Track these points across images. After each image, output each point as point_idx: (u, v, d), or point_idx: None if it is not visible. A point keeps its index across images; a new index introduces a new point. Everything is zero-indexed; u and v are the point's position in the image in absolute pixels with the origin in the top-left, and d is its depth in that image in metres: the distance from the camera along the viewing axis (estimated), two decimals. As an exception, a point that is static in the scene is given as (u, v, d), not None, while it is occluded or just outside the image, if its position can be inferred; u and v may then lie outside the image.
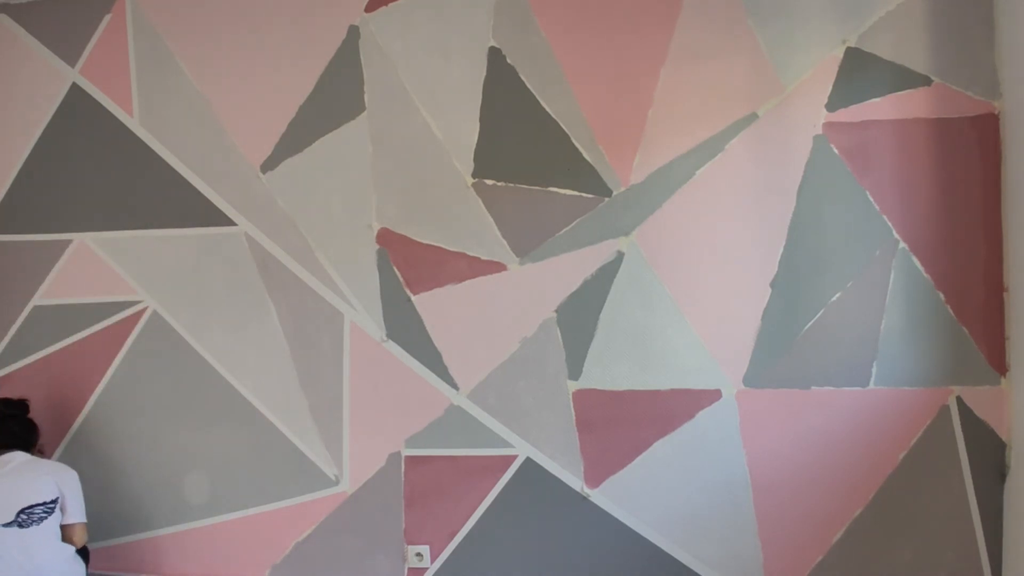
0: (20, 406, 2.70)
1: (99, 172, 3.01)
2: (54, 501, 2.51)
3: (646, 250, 2.65)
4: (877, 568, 2.49)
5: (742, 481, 2.56)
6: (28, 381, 3.02)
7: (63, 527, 2.54)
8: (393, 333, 2.79)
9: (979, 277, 2.47)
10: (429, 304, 2.76)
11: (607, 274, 2.66)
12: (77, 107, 3.04)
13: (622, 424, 2.63)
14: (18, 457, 2.56)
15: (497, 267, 2.73)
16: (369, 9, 2.86)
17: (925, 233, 2.50)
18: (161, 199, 2.96)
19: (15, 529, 2.42)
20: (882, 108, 2.54)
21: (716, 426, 2.58)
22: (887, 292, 2.51)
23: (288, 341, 2.85)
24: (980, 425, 2.45)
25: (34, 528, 2.44)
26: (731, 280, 2.60)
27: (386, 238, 2.80)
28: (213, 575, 2.87)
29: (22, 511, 2.45)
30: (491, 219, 2.74)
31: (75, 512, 2.56)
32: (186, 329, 2.93)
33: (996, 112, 2.48)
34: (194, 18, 2.98)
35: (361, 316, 2.81)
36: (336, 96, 2.86)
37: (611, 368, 2.65)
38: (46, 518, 2.48)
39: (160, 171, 2.97)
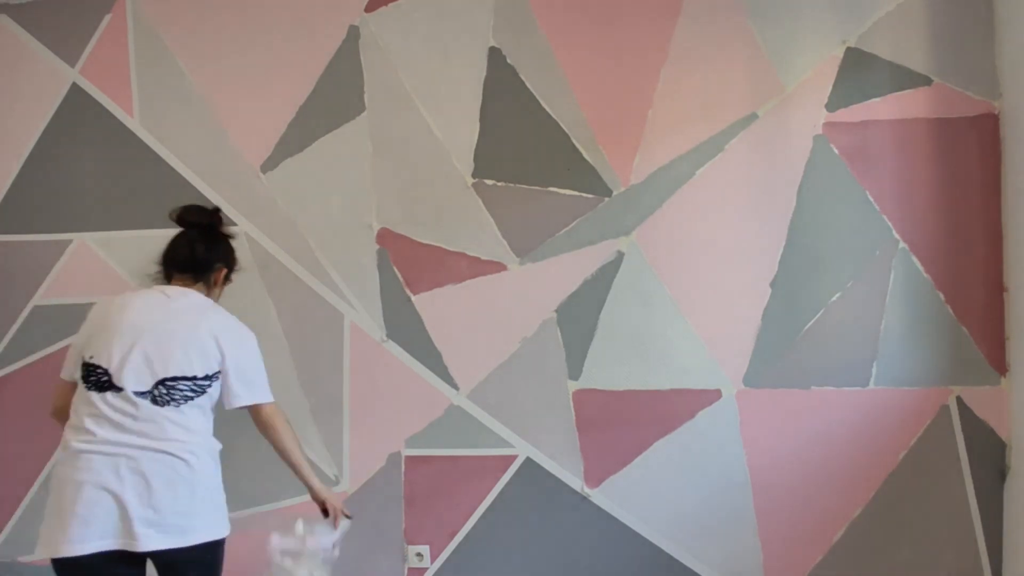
0: (210, 214, 2.17)
1: (99, 172, 3.01)
2: (208, 377, 1.97)
3: (646, 250, 2.65)
4: (877, 568, 2.49)
5: (742, 481, 2.57)
6: (28, 381, 3.02)
7: (255, 412, 2.09)
8: (393, 333, 2.78)
9: (979, 277, 2.47)
10: (429, 304, 2.76)
11: (607, 274, 2.67)
12: (77, 107, 3.04)
13: (622, 424, 2.63)
14: (185, 298, 2.02)
15: (497, 267, 2.73)
16: (369, 9, 2.86)
17: (925, 233, 2.50)
18: (161, 199, 2.95)
19: (148, 403, 1.89)
20: (882, 108, 2.54)
21: (716, 426, 2.58)
22: (887, 292, 2.51)
23: (288, 341, 2.85)
24: (980, 425, 2.46)
25: (171, 409, 1.91)
26: (731, 280, 2.60)
27: (386, 238, 2.80)
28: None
29: (162, 382, 1.91)
30: (491, 219, 2.74)
31: (247, 389, 2.04)
32: (186, 329, 2.92)
33: (996, 112, 2.48)
34: (194, 18, 2.98)
35: (361, 316, 2.81)
36: (336, 96, 2.86)
37: (611, 368, 2.65)
38: (193, 398, 1.94)
39: (160, 171, 2.96)
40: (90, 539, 1.81)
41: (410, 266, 2.78)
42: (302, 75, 2.88)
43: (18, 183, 3.08)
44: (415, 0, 2.83)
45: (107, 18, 3.04)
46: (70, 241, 3.02)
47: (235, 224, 2.33)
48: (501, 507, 2.69)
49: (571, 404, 2.67)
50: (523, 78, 2.75)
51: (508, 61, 2.76)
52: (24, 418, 3.01)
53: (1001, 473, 2.44)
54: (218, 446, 2.11)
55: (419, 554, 2.72)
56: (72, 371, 2.00)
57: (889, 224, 2.52)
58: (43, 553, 1.85)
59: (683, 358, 2.61)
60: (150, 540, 1.85)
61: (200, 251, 2.11)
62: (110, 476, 1.83)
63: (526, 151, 2.73)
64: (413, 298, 2.77)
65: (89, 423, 1.87)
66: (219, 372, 2.02)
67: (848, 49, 2.57)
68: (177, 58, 2.99)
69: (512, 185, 2.73)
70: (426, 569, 2.73)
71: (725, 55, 2.63)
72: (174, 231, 2.97)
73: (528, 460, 2.68)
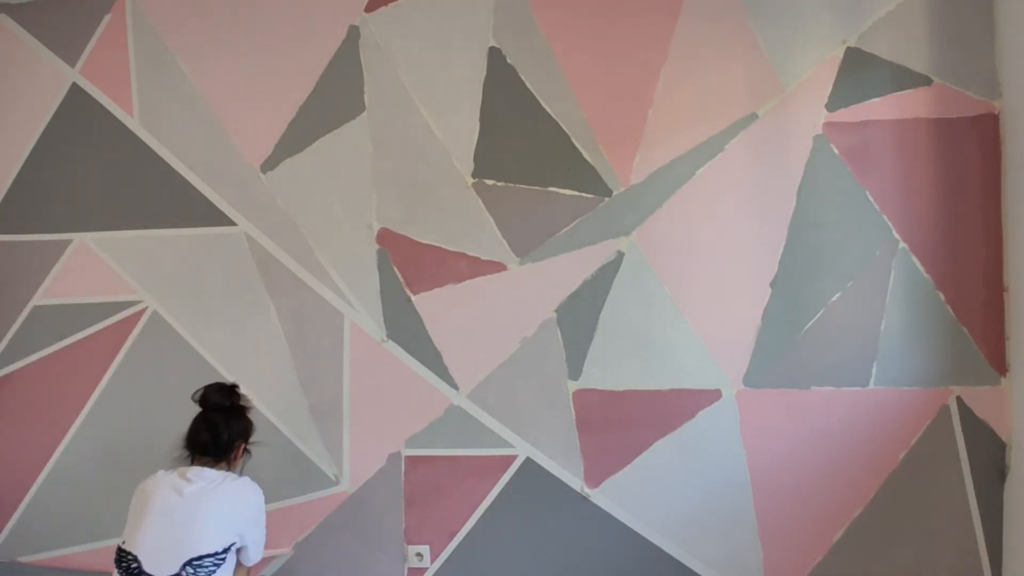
0: (228, 393, 2.33)
1: (99, 172, 3.01)
2: (227, 549, 2.13)
3: (646, 250, 2.65)
4: (877, 568, 2.49)
5: (742, 481, 2.56)
6: (28, 381, 3.02)
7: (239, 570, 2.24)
8: (393, 333, 2.78)
9: (979, 277, 2.47)
10: (429, 304, 2.76)
11: (607, 274, 2.67)
12: (77, 107, 3.04)
13: (622, 424, 2.63)
14: (202, 479, 2.19)
15: (497, 267, 2.73)
16: (369, 9, 2.86)
17: (925, 233, 2.50)
18: (161, 199, 2.96)
19: None
20: (882, 108, 2.54)
21: (716, 426, 2.58)
22: (887, 292, 2.51)
23: (288, 341, 2.85)
24: (980, 425, 2.45)
25: None
26: (731, 280, 2.60)
27: (386, 238, 2.80)
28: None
29: (190, 562, 2.06)
30: (491, 219, 2.74)
31: (252, 553, 2.24)
32: (186, 329, 2.93)
33: (996, 112, 2.48)
34: (194, 18, 2.99)
35: (361, 316, 2.81)
36: (336, 96, 2.86)
37: (611, 368, 2.65)
38: (216, 569, 2.09)
39: (160, 171, 2.97)
40: None
41: (410, 266, 2.78)
42: (302, 75, 2.88)
43: (18, 183, 3.08)
44: (415, 0, 2.83)
45: (107, 18, 3.04)
46: (70, 241, 3.02)
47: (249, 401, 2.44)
48: (501, 507, 2.69)
49: (571, 404, 2.67)
50: (523, 78, 2.75)
51: (508, 61, 2.76)
52: (24, 418, 3.02)
53: (1001, 473, 2.44)
54: None
55: (419, 554, 2.72)
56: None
57: (889, 224, 2.52)
58: None
59: (683, 358, 2.61)
60: None
61: (222, 436, 2.27)
62: None
63: (526, 151, 2.73)
64: (413, 298, 2.77)
65: None
66: (231, 547, 2.17)
67: (848, 49, 2.57)
68: (177, 58, 2.99)
69: (512, 185, 2.73)
70: (426, 569, 2.73)
71: (725, 55, 2.63)
72: (174, 231, 3.00)
73: (528, 460, 2.68)
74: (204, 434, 2.25)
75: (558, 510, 2.66)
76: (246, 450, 2.38)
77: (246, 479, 2.29)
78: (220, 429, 2.26)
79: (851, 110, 2.55)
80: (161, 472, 2.23)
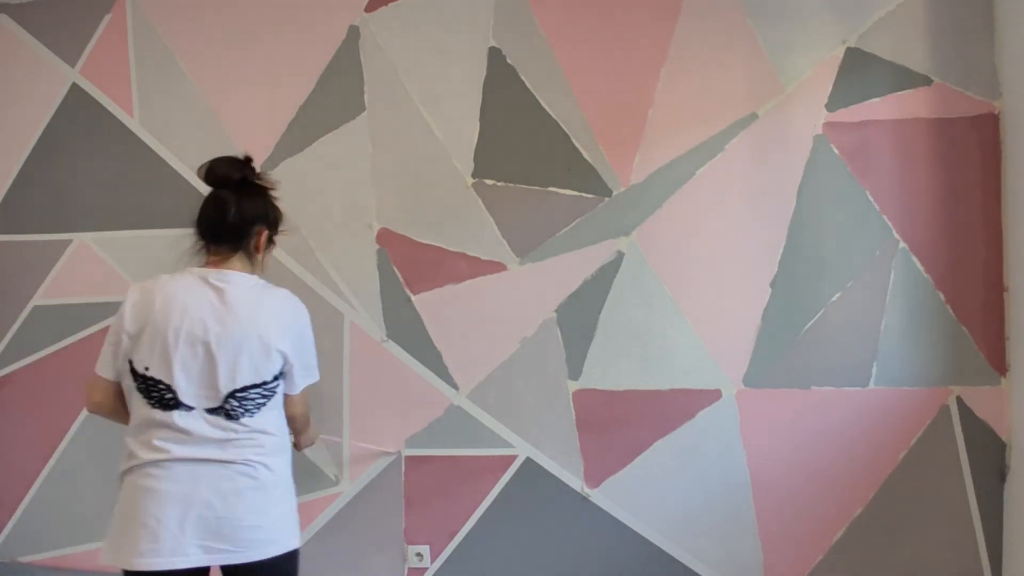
0: (242, 165, 1.91)
1: (99, 172, 3.01)
2: (276, 378, 1.84)
3: (646, 250, 2.65)
4: (877, 568, 2.49)
5: (742, 481, 2.56)
6: (28, 381, 3.02)
7: (289, 402, 1.92)
8: (393, 333, 2.78)
9: (979, 277, 2.47)
10: (429, 304, 2.76)
11: (607, 274, 2.66)
12: (77, 107, 3.04)
13: (622, 424, 2.63)
14: (232, 290, 1.81)
15: (497, 267, 2.73)
16: (369, 9, 2.86)
17: (925, 233, 2.50)
18: (161, 199, 2.96)
19: (222, 419, 1.77)
20: (882, 108, 2.54)
21: (716, 426, 2.58)
22: (887, 292, 2.51)
23: (288, 341, 2.85)
24: (980, 425, 2.45)
25: (246, 418, 1.79)
26: (731, 280, 2.60)
27: (386, 238, 2.80)
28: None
29: (234, 394, 1.78)
30: (491, 219, 2.74)
31: (301, 376, 1.92)
32: (186, 329, 2.92)
33: (996, 112, 2.48)
34: (194, 18, 2.98)
35: (361, 316, 2.81)
36: (336, 96, 2.86)
37: (611, 368, 2.65)
38: (265, 402, 1.81)
39: (160, 171, 2.96)
40: (163, 554, 1.71)
41: (410, 266, 2.78)
42: (302, 75, 2.88)
43: (18, 183, 3.08)
44: (415, 0, 2.83)
45: (107, 18, 3.04)
46: (70, 241, 3.02)
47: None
48: (501, 507, 2.69)
49: (571, 404, 2.67)
50: (523, 78, 2.75)
51: (508, 61, 2.76)
52: (24, 418, 3.02)
53: (1001, 473, 2.44)
54: (290, 440, 2.01)
55: (419, 554, 2.72)
56: (116, 371, 1.82)
57: (889, 224, 2.52)
58: (110, 561, 1.76)
59: (683, 358, 2.61)
60: (226, 555, 1.77)
61: (233, 215, 1.86)
62: (185, 491, 1.73)
63: (526, 151, 2.73)
64: (413, 298, 2.77)
65: (158, 441, 1.75)
66: (280, 375, 1.88)
67: (848, 49, 2.57)
68: (177, 58, 2.99)
69: (512, 185, 2.73)
70: (426, 569, 2.73)
71: (725, 55, 2.63)
72: (174, 231, 2.99)
73: (528, 460, 2.68)
74: (212, 214, 1.86)
75: (558, 510, 2.66)
76: (271, 240, 1.95)
77: (285, 290, 1.93)
78: (229, 205, 1.85)
79: (851, 110, 2.55)
80: (165, 276, 1.86)
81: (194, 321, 1.78)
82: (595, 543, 2.64)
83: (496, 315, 2.71)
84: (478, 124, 2.76)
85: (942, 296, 2.49)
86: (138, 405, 1.80)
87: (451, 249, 2.75)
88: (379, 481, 2.76)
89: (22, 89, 3.09)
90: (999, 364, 2.46)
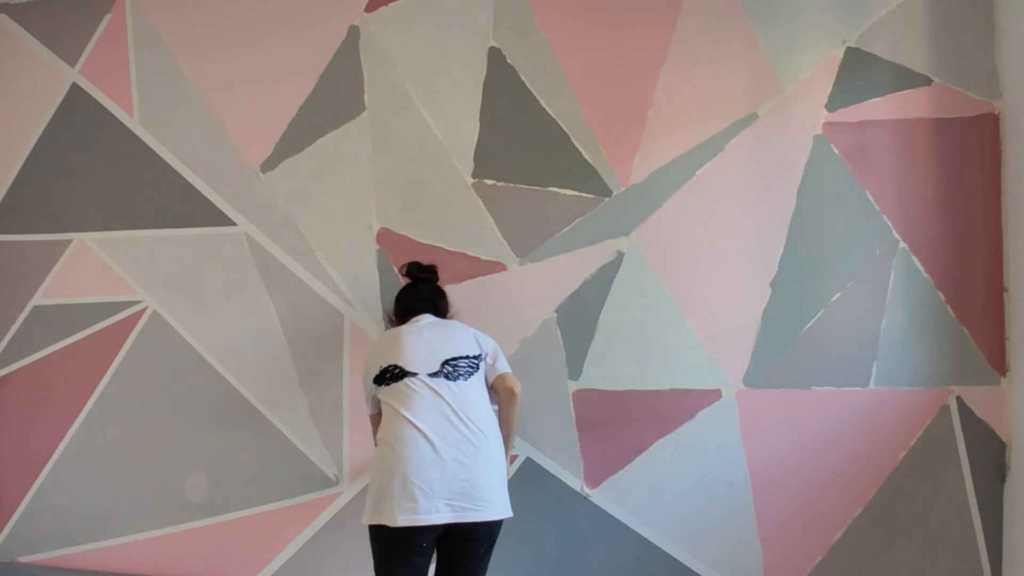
0: (431, 271, 2.52)
1: (99, 172, 3.01)
2: (477, 357, 2.28)
3: (646, 250, 2.65)
4: (877, 568, 2.49)
5: (742, 481, 2.56)
6: (28, 381, 3.02)
7: (497, 379, 2.30)
8: (393, 333, 2.78)
9: (979, 277, 2.47)
10: (429, 304, 2.76)
11: (607, 274, 2.66)
12: (77, 107, 3.04)
13: (622, 424, 2.63)
14: (429, 317, 2.39)
15: (497, 267, 2.73)
16: (369, 9, 2.86)
17: (925, 233, 2.50)
18: (161, 199, 2.96)
19: (443, 380, 2.18)
20: (882, 108, 2.54)
21: (716, 426, 2.58)
22: (887, 292, 2.51)
23: (288, 341, 2.85)
24: (980, 425, 2.45)
25: (461, 382, 2.19)
26: (731, 280, 2.60)
27: (386, 238, 2.80)
28: (213, 575, 2.87)
29: (447, 362, 2.21)
30: (491, 219, 2.74)
31: (503, 364, 2.34)
32: (186, 329, 2.93)
33: (996, 112, 2.48)
34: (194, 18, 2.99)
35: (361, 316, 2.81)
36: (336, 96, 2.86)
37: (611, 368, 2.65)
38: (473, 372, 2.23)
39: (160, 171, 2.97)
40: (420, 512, 2.00)
41: (410, 266, 2.78)
42: (302, 75, 2.88)
43: (18, 183, 3.08)
44: (415, 0, 2.83)
45: (107, 18, 3.04)
46: (70, 241, 3.02)
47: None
48: (501, 507, 2.69)
49: (571, 404, 2.67)
50: (523, 78, 2.75)
51: (508, 61, 2.76)
52: (24, 418, 3.02)
53: (1001, 473, 2.44)
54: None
55: (419, 554, 2.72)
56: (376, 403, 2.30)
57: (889, 224, 2.52)
58: (373, 520, 2.06)
59: (683, 358, 2.61)
60: (469, 513, 2.03)
61: (440, 304, 2.47)
62: (430, 455, 2.04)
63: (526, 151, 2.73)
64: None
65: (401, 408, 2.13)
66: (481, 356, 2.30)
67: (848, 49, 2.57)
68: (177, 58, 2.99)
69: (512, 185, 2.73)
70: (426, 569, 2.72)
71: (725, 55, 2.63)
72: (174, 231, 2.99)
73: (528, 460, 2.68)
74: (424, 303, 2.42)
75: (558, 510, 2.66)
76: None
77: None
78: (436, 297, 2.46)
79: (851, 110, 2.55)
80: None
81: (412, 334, 2.31)
82: (595, 543, 2.64)
83: (496, 315, 2.70)
84: (478, 124, 2.76)
85: (942, 296, 2.49)
86: (381, 394, 2.24)
87: (451, 249, 2.75)
88: (379, 481, 2.76)
89: (22, 89, 3.09)
90: (999, 364, 2.46)
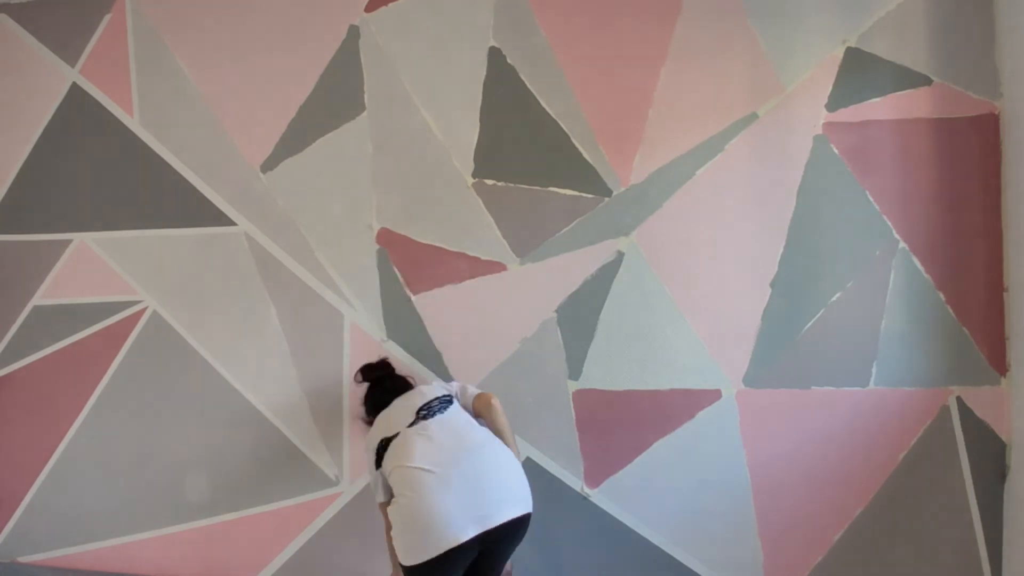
0: (383, 367, 2.62)
1: (99, 172, 3.01)
2: (447, 396, 2.41)
3: (646, 250, 2.65)
4: (877, 568, 2.49)
5: (742, 481, 2.56)
6: (28, 381, 3.02)
7: (476, 399, 2.42)
8: (393, 333, 2.78)
9: (979, 277, 2.47)
10: (429, 304, 2.76)
11: (607, 274, 2.66)
12: (77, 107, 3.04)
13: (622, 424, 2.63)
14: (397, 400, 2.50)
15: (497, 267, 2.73)
16: (369, 9, 2.86)
17: (925, 233, 2.50)
18: (161, 199, 2.96)
19: (422, 423, 2.30)
20: (882, 108, 2.54)
21: (716, 426, 2.58)
22: (887, 292, 2.51)
23: (288, 341, 2.85)
24: (980, 425, 2.45)
25: (439, 416, 2.33)
26: (731, 280, 2.60)
27: (386, 238, 2.80)
28: (213, 575, 2.87)
29: (419, 410, 2.34)
30: (491, 219, 2.74)
31: (473, 389, 2.47)
32: (186, 329, 2.93)
33: (996, 112, 2.48)
34: (194, 18, 2.99)
35: (361, 316, 2.81)
36: (336, 96, 2.86)
37: (611, 368, 2.65)
38: (448, 406, 2.37)
39: (160, 171, 2.97)
40: (450, 538, 2.06)
41: (410, 266, 2.78)
42: (302, 75, 2.88)
43: (18, 183, 3.08)
44: (415, 0, 2.83)
45: (107, 18, 3.04)
46: (70, 241, 3.02)
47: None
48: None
49: (571, 404, 2.67)
50: (523, 78, 2.75)
51: (508, 61, 2.76)
52: (24, 418, 3.02)
53: (1001, 473, 2.44)
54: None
55: (419, 554, 2.72)
56: (386, 489, 2.34)
57: (889, 224, 2.52)
58: (410, 562, 2.07)
59: (683, 358, 2.61)
60: (489, 520, 2.10)
61: (398, 381, 2.56)
62: (439, 487, 2.12)
63: (526, 151, 2.73)
64: (413, 298, 2.77)
65: (400, 463, 2.20)
66: (449, 395, 2.42)
67: (848, 49, 2.57)
68: (177, 58, 2.99)
69: (512, 185, 2.73)
70: (426, 569, 2.72)
71: (725, 55, 2.63)
72: (174, 231, 2.99)
73: (528, 460, 2.68)
74: (392, 395, 2.48)
75: (558, 510, 2.66)
76: None
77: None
78: (400, 385, 2.53)
79: (851, 110, 2.55)
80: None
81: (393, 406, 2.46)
82: (595, 543, 2.64)
83: (496, 315, 2.71)
84: (478, 124, 2.76)
85: (942, 296, 2.49)
86: (388, 461, 2.29)
87: (451, 249, 2.75)
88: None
89: (22, 89, 3.09)
90: (999, 364, 2.46)
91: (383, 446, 2.31)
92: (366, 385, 2.58)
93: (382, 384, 2.54)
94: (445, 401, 2.38)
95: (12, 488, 3.01)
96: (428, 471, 2.13)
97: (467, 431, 2.27)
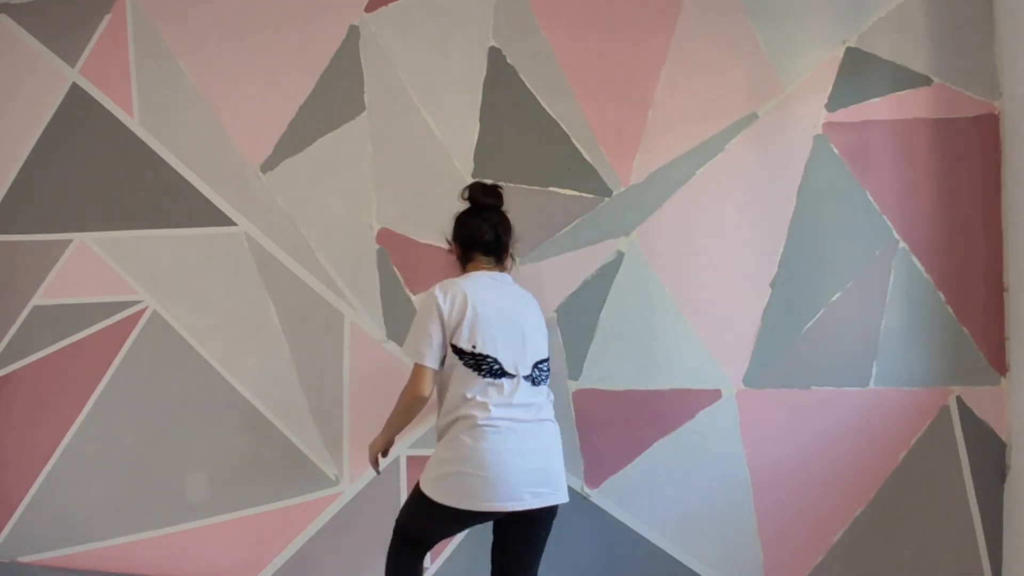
0: (496, 195, 2.33)
1: (99, 172, 3.01)
2: (547, 360, 2.24)
3: (646, 250, 2.65)
4: (877, 568, 2.49)
5: (742, 481, 2.56)
6: (28, 381, 3.02)
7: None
8: (393, 333, 2.78)
9: (979, 277, 2.47)
10: (429, 304, 2.76)
11: (607, 274, 2.66)
12: (77, 107, 3.04)
13: (622, 424, 2.63)
14: (512, 287, 2.26)
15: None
16: (369, 9, 2.86)
17: (925, 233, 2.50)
18: (161, 199, 2.96)
19: (530, 385, 2.15)
20: (882, 108, 2.54)
21: (716, 426, 2.58)
22: (887, 292, 2.51)
23: (288, 341, 2.85)
24: (980, 425, 2.45)
25: (542, 386, 2.19)
26: (731, 280, 2.59)
27: (386, 238, 2.80)
28: (213, 575, 2.87)
29: (536, 365, 2.18)
30: (491, 219, 2.74)
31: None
32: (186, 329, 2.93)
33: (996, 112, 2.48)
34: (194, 18, 2.99)
35: (361, 316, 2.81)
36: (336, 96, 2.86)
37: (611, 368, 2.65)
38: (548, 376, 2.23)
39: (160, 171, 2.97)
40: (504, 499, 2.03)
41: (410, 266, 2.78)
42: (302, 75, 2.88)
43: (18, 183, 3.08)
44: (415, 0, 2.83)
45: (107, 18, 3.04)
46: (70, 241, 3.02)
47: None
48: (501, 507, 2.69)
49: (571, 404, 2.67)
50: (523, 78, 2.75)
51: (508, 61, 2.76)
52: (24, 418, 3.02)
53: (1001, 473, 2.44)
54: None
55: (419, 554, 2.72)
56: (436, 359, 2.16)
57: (889, 224, 2.52)
58: (451, 502, 2.04)
59: (683, 358, 2.61)
60: (548, 497, 2.09)
61: (504, 237, 2.30)
62: (519, 446, 2.07)
63: (526, 151, 2.73)
64: (413, 298, 2.77)
65: (493, 404, 2.09)
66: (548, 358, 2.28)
67: (848, 49, 2.57)
68: (177, 58, 2.99)
69: (512, 185, 2.73)
70: (426, 569, 2.72)
71: (725, 55, 2.63)
72: (174, 231, 2.99)
73: (528, 460, 2.68)
74: (489, 233, 2.26)
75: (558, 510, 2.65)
76: (511, 251, 2.38)
77: (528, 292, 2.34)
78: (500, 229, 2.29)
79: (851, 110, 2.55)
80: (460, 279, 2.20)
81: (499, 308, 2.17)
82: (595, 543, 2.64)
83: (496, 315, 2.70)
84: (478, 124, 2.76)
85: (942, 296, 2.49)
86: (469, 378, 2.12)
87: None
88: (379, 481, 2.76)
89: (22, 89, 3.09)
90: (999, 364, 2.46)
91: (486, 364, 2.12)
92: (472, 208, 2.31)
93: (489, 218, 2.28)
94: (548, 367, 2.24)
95: (12, 488, 3.01)
96: (509, 431, 2.06)
97: (547, 411, 2.20)
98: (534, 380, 2.16)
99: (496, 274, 2.25)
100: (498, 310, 2.15)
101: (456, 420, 2.11)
